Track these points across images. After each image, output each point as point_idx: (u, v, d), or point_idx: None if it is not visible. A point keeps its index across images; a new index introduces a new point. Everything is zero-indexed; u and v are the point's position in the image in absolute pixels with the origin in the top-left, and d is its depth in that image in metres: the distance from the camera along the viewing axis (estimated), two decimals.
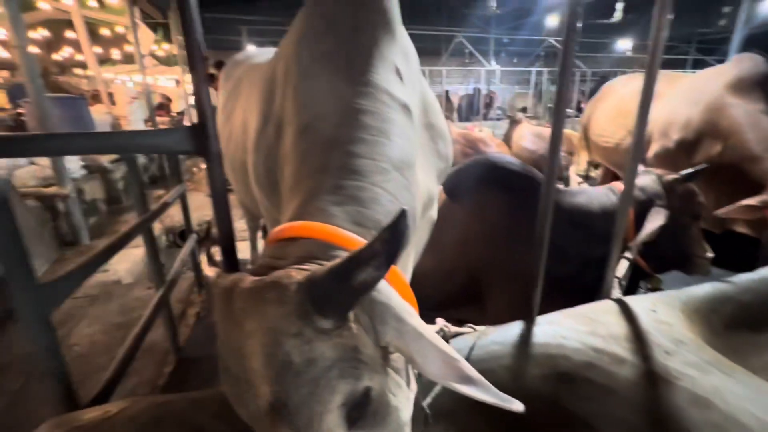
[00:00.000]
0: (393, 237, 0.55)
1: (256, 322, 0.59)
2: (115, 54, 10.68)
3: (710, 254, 1.82)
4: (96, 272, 1.14)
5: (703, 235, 1.85)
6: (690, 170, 1.77)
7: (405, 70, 1.06)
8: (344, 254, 0.69)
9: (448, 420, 1.01)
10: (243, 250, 3.81)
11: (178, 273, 2.18)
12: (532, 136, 5.84)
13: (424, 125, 1.23)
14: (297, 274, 0.61)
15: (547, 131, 5.72)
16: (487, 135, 6.26)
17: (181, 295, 2.99)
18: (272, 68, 1.27)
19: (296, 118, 0.97)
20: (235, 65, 2.09)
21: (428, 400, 0.89)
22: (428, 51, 16.10)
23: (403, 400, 0.70)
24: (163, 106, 10.29)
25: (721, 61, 3.06)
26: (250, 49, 2.26)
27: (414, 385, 0.77)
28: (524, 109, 10.78)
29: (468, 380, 0.60)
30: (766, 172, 2.24)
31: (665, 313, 1.18)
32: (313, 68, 1.00)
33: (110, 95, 8.22)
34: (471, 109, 12.36)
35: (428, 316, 0.83)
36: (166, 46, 10.60)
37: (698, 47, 16.19)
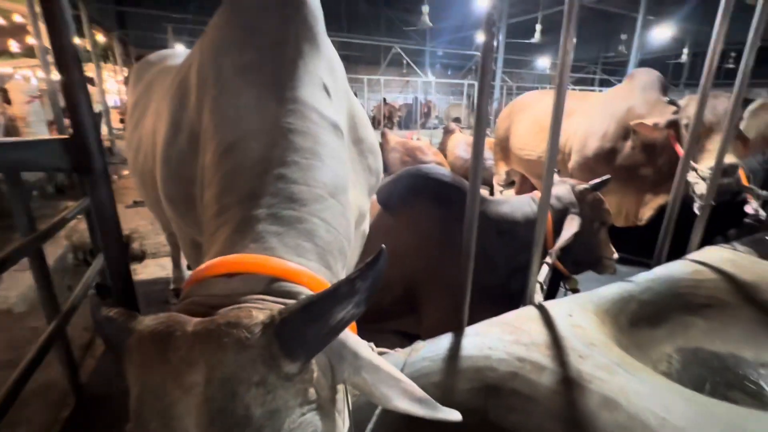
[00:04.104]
0: (373, 274, 0.52)
1: (204, 373, 0.50)
2: (14, 46, 9.30)
3: (616, 255, 2.01)
4: None
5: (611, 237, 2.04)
6: (597, 180, 1.94)
7: (332, 85, 1.03)
8: (299, 289, 0.65)
9: None
10: (166, 266, 3.49)
11: (80, 297, 1.89)
12: (465, 144, 6.13)
13: (352, 141, 1.20)
14: (258, 312, 0.54)
15: None
16: (425, 143, 6.46)
17: (88, 322, 2.63)
18: (184, 73, 1.16)
19: (217, 135, 0.88)
20: (145, 66, 1.90)
21: None
22: (368, 60, 16.30)
23: None
24: None
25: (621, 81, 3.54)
26: (165, 50, 2.06)
27: (348, 425, 0.73)
28: (457, 119, 11.40)
29: (419, 401, 0.61)
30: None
31: (580, 316, 1.26)
32: (235, 81, 0.92)
33: (3, 92, 7.12)
34: (410, 117, 12.74)
35: (364, 329, 0.80)
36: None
37: (603, 68, 18.35)
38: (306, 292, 0.66)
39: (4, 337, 2.40)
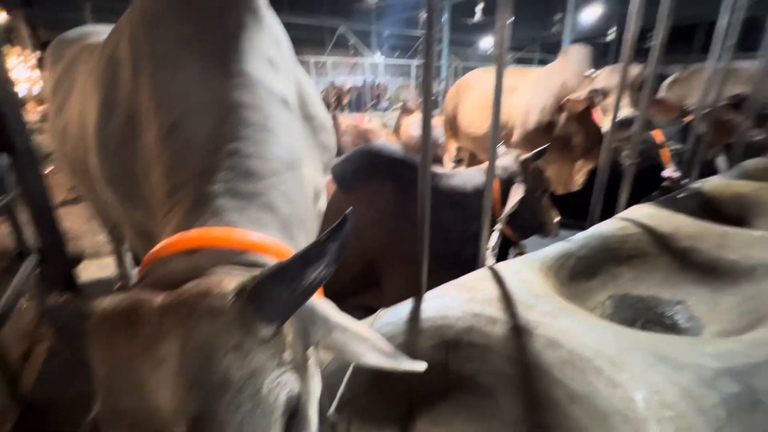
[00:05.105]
0: (341, 235, 0.53)
1: (178, 343, 0.50)
2: None
3: (558, 219, 2.19)
4: None
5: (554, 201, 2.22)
6: (536, 150, 2.08)
7: (278, 59, 1.00)
8: (267, 260, 0.65)
9: (349, 408, 1.02)
10: (109, 265, 3.24)
11: (11, 305, 1.73)
12: (419, 123, 6.20)
13: (303, 118, 1.19)
14: (229, 280, 0.54)
15: (433, 120, 6.14)
16: (377, 126, 6.45)
17: (24, 330, 2.40)
18: (112, 49, 1.07)
19: (160, 112, 0.84)
20: (63, 45, 1.71)
21: (333, 406, 0.88)
22: (313, 42, 15.72)
23: (315, 407, 0.67)
24: None
25: None
26: (85, 27, 1.87)
27: (320, 388, 0.75)
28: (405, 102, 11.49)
29: (387, 355, 0.64)
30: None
31: (527, 273, 1.38)
32: (173, 55, 0.88)
33: None
34: (360, 100, 12.60)
35: None
36: None
37: (542, 48, 19.23)
38: (273, 262, 0.66)
39: None
